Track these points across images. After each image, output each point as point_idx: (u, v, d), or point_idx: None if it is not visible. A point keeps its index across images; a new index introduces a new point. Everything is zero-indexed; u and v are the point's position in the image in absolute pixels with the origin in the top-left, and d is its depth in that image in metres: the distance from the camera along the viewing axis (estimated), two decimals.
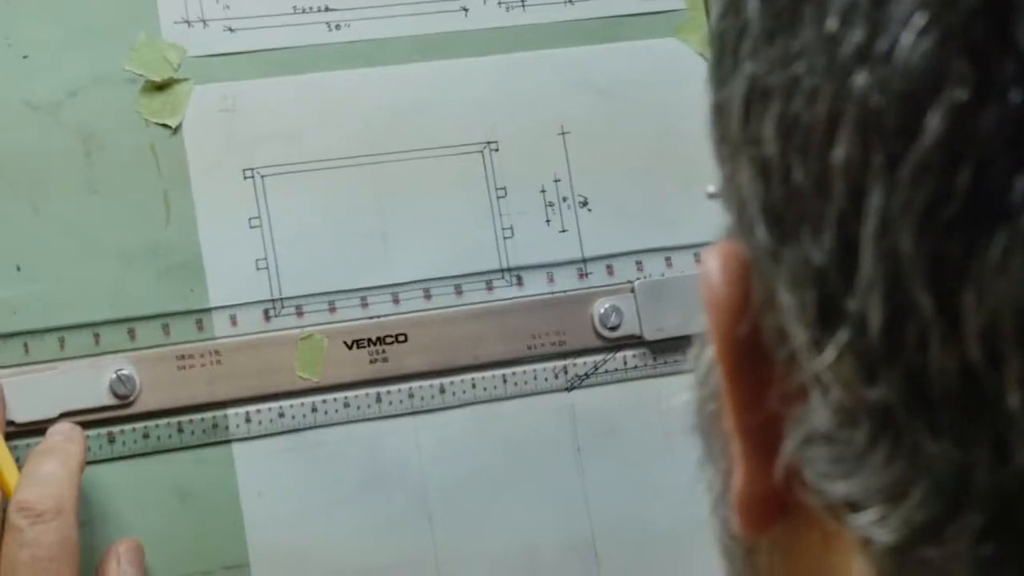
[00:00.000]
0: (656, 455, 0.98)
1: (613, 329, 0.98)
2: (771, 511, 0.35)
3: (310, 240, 0.95)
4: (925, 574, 0.31)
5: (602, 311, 0.98)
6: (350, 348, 0.94)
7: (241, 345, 0.92)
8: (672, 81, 1.02)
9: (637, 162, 1.01)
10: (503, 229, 0.98)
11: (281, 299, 0.93)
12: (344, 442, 0.94)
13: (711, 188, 0.39)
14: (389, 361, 0.95)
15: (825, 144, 0.30)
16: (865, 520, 0.31)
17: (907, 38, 0.28)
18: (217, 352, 0.92)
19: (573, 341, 0.98)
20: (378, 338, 0.95)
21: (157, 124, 0.93)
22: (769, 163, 0.32)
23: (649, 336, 0.98)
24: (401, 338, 0.95)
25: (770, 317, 0.33)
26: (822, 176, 0.30)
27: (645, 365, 0.99)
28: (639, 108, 1.01)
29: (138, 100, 0.93)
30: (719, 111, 0.36)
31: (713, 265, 0.35)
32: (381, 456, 0.94)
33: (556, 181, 0.99)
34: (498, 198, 0.98)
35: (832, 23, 0.30)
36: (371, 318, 0.95)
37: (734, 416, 0.35)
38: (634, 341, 0.99)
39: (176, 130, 0.93)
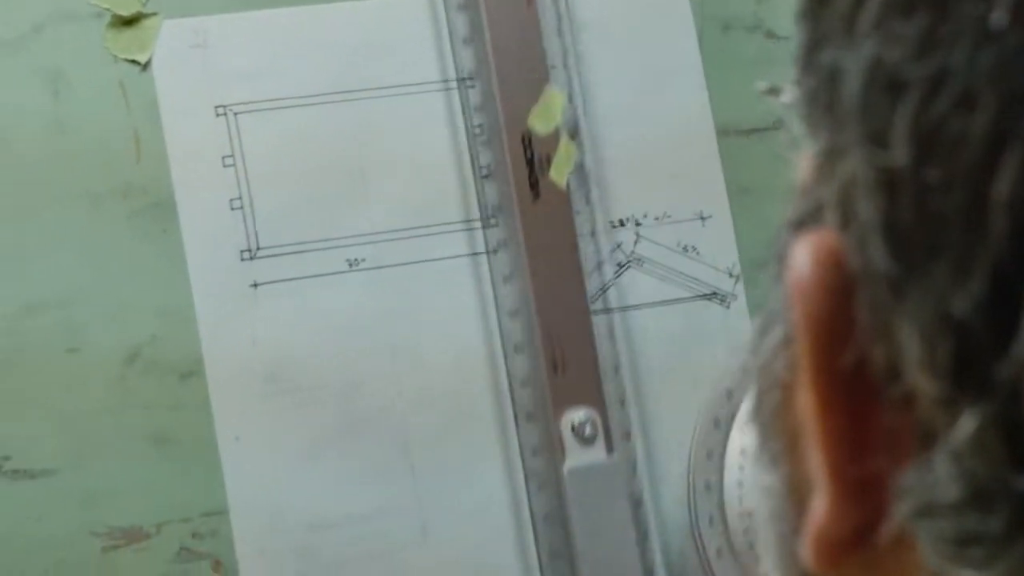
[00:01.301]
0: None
1: None
2: (851, 553, 0.29)
3: (286, 178, 0.93)
4: None
5: None
6: None
7: None
8: None
9: (622, 105, 0.98)
10: (480, 168, 0.96)
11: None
12: (321, 386, 0.92)
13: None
14: None
15: (984, 167, 0.23)
16: None
17: None
18: None
19: None
20: None
21: (126, 60, 0.90)
22: (898, 174, 0.25)
23: None
24: None
25: (882, 347, 0.27)
26: (976, 207, 0.24)
27: None
28: (624, 50, 0.99)
29: (105, 35, 0.90)
30: (813, 60, 0.28)
31: (806, 265, 0.27)
32: (360, 402, 0.93)
33: None
34: (475, 135, 0.96)
35: (1001, 15, 0.23)
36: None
37: (825, 451, 0.28)
38: None
39: (145, 66, 0.91)
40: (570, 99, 0.96)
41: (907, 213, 0.25)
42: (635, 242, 0.98)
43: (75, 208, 0.89)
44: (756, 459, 0.33)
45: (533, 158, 0.94)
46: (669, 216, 0.98)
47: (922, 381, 0.25)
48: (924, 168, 0.24)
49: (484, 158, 0.96)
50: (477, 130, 0.96)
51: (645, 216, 0.98)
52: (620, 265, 0.97)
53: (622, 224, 0.98)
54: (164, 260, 0.90)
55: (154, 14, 0.91)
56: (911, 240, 0.25)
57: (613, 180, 0.98)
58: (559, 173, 0.94)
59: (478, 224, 0.95)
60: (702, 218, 0.98)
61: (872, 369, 0.27)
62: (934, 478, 0.26)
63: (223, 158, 0.92)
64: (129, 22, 0.90)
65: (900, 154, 0.25)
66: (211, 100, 0.92)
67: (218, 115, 0.92)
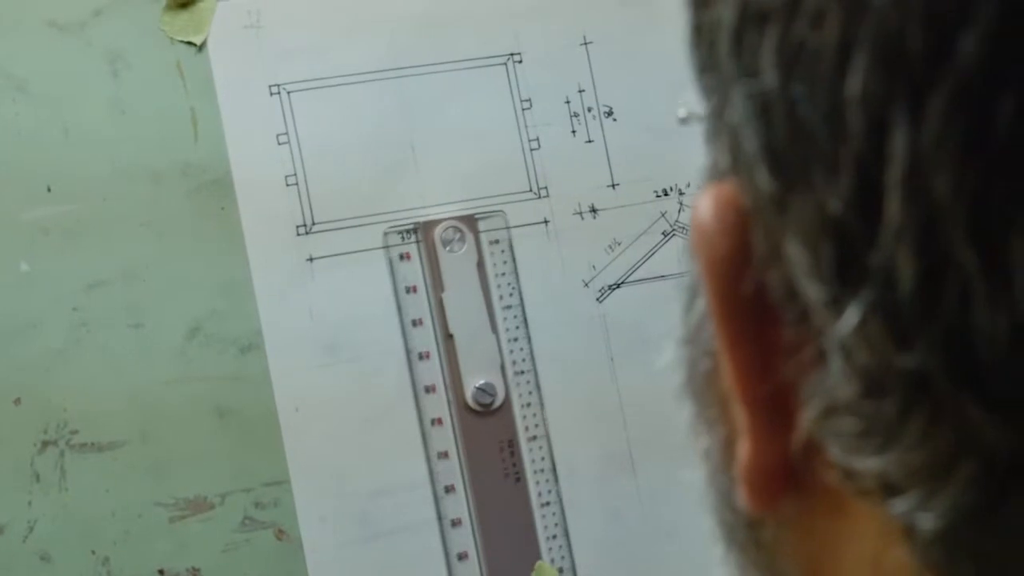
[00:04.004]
0: None
1: None
2: (782, 485, 0.31)
3: (339, 155, 0.95)
4: (977, 565, 0.27)
5: None
6: None
7: None
8: None
9: (661, 71, 1.00)
10: (529, 141, 0.98)
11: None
12: (377, 356, 0.94)
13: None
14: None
15: (837, 74, 0.25)
16: (905, 505, 0.27)
17: None
18: None
19: None
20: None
21: (182, 42, 0.92)
22: (769, 98, 0.27)
23: None
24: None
25: (776, 272, 0.28)
26: (835, 111, 0.26)
27: None
28: (662, 16, 1.01)
29: (162, 18, 0.92)
30: (701, 35, 0.30)
31: (706, 211, 0.30)
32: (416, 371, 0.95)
33: (580, 91, 0.99)
34: (523, 110, 0.98)
35: None
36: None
37: (739, 383, 0.30)
38: None
39: (201, 47, 0.93)
40: None
41: (781, 132, 0.27)
42: (679, 211, 1.00)
43: (136, 186, 0.91)
44: (692, 427, 0.35)
45: None
46: None
47: (811, 289, 0.27)
48: (790, 85, 0.27)
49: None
50: (526, 104, 0.98)
51: (688, 185, 1.00)
52: (664, 234, 0.99)
53: (665, 194, 1.00)
54: (222, 236, 0.92)
55: None
56: (787, 158, 0.27)
57: (652, 152, 1.00)
58: None
59: (531, 196, 0.97)
60: None
61: (770, 295, 0.29)
62: (831, 381, 0.27)
63: (278, 136, 0.94)
64: (184, 4, 0.92)
65: (770, 77, 0.27)
66: (265, 79, 0.94)
67: (272, 94, 0.94)
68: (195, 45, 0.92)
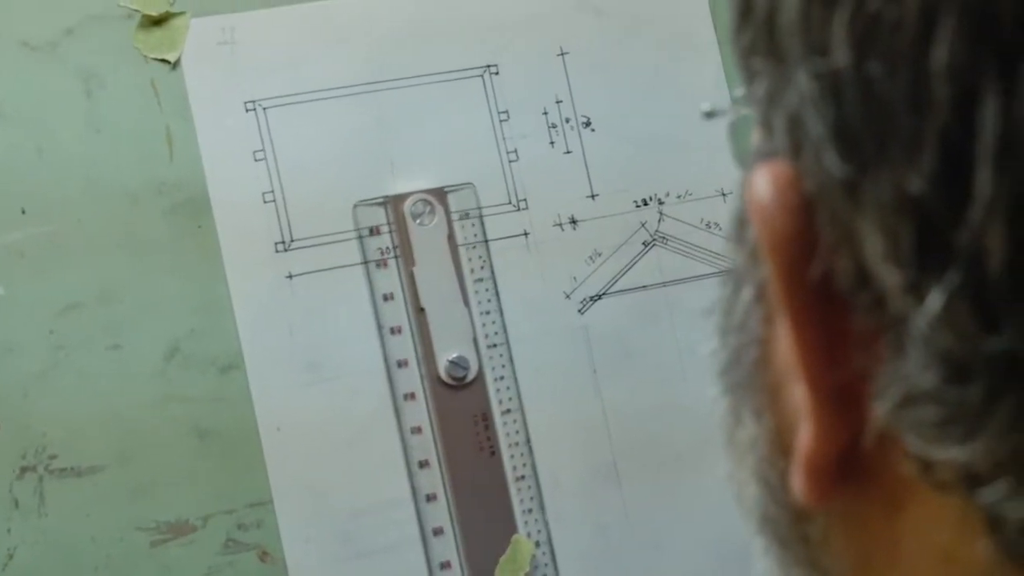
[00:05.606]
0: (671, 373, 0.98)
1: None
2: (843, 475, 0.30)
3: (316, 170, 0.94)
4: None
5: None
6: None
7: None
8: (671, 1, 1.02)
9: (639, 81, 1.00)
10: (508, 152, 0.97)
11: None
12: (359, 374, 0.93)
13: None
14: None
15: (920, 45, 0.25)
16: (993, 495, 0.26)
17: None
18: None
19: None
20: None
21: (156, 60, 0.91)
22: (841, 76, 0.26)
23: None
24: None
25: (846, 258, 0.27)
26: (918, 85, 0.25)
27: None
28: (638, 26, 1.01)
29: (135, 36, 0.91)
30: (753, 15, 0.29)
31: (765, 190, 0.28)
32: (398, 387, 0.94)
33: (558, 102, 0.99)
34: (501, 122, 0.98)
35: None
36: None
37: (804, 370, 0.29)
38: None
39: (175, 65, 0.92)
40: None
41: (854, 112, 0.26)
42: (659, 221, 0.99)
43: (112, 206, 0.90)
44: (729, 418, 0.34)
45: None
46: (691, 194, 1.00)
47: (888, 275, 0.26)
48: (865, 63, 0.26)
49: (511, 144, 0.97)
50: (504, 116, 0.97)
51: (667, 195, 1.00)
52: (645, 244, 0.99)
53: (645, 204, 1.00)
54: (200, 255, 0.91)
55: (182, 13, 0.92)
56: (861, 138, 0.26)
57: (631, 162, 0.99)
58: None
59: (510, 208, 0.97)
60: (723, 194, 1.00)
61: (839, 282, 0.28)
62: (909, 369, 0.27)
63: (254, 152, 0.93)
64: (158, 22, 0.91)
65: (841, 55, 0.26)
66: (240, 96, 0.93)
67: (248, 110, 0.93)
68: (169, 63, 0.91)
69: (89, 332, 0.89)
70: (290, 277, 0.93)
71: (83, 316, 0.89)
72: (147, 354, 0.90)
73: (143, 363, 0.90)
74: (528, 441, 0.95)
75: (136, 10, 0.91)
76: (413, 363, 0.94)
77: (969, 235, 0.24)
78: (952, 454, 0.27)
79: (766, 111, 0.29)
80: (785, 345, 0.30)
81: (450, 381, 0.94)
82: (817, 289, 0.28)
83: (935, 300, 0.25)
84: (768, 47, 0.29)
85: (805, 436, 0.30)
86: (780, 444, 0.32)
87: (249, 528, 0.91)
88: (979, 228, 0.24)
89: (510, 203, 0.97)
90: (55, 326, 0.89)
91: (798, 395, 0.30)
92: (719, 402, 0.34)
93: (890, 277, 0.26)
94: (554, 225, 0.98)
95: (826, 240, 0.28)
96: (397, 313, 0.94)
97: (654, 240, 0.99)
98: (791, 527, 0.33)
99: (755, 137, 0.31)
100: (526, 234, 0.97)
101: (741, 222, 0.32)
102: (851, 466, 0.29)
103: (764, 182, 0.28)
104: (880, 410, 0.28)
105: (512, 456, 0.95)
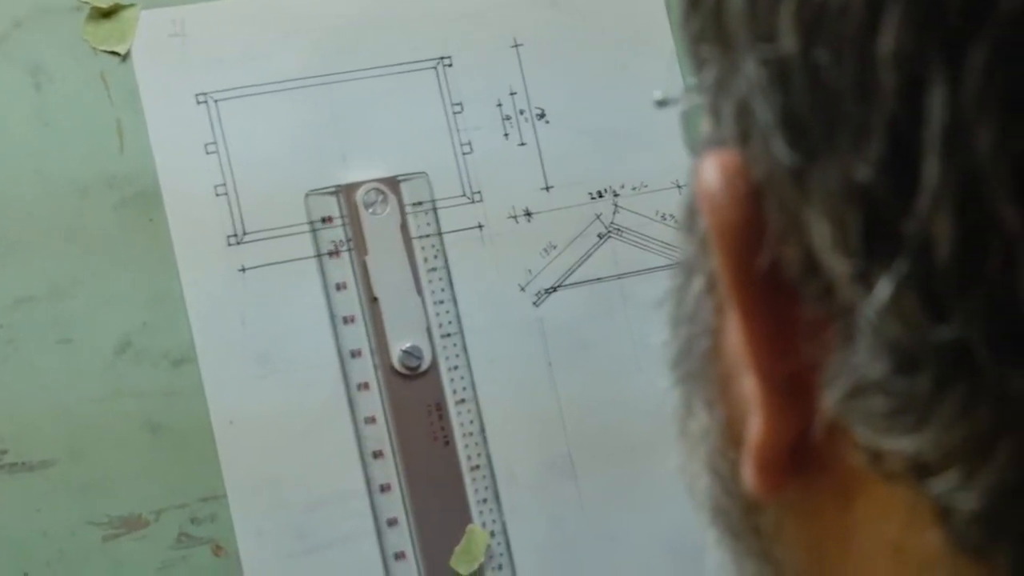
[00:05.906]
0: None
1: None
2: (794, 466, 0.30)
3: (268, 163, 0.93)
4: (1017, 545, 0.26)
5: None
6: None
7: None
8: None
9: (593, 73, 1.00)
10: (461, 145, 0.97)
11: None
12: (311, 366, 0.93)
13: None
14: None
15: (866, 32, 0.24)
16: (943, 485, 0.26)
17: None
18: None
19: None
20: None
21: (106, 52, 0.91)
22: (788, 63, 0.26)
23: None
24: None
25: (793, 247, 0.27)
26: (864, 72, 0.25)
27: None
28: (592, 18, 1.00)
29: (84, 28, 0.91)
30: (700, 1, 0.29)
31: (713, 179, 0.28)
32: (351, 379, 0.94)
33: (512, 94, 0.99)
34: (454, 114, 0.97)
35: None
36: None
37: (753, 360, 0.29)
38: None
39: (125, 57, 0.91)
40: None
41: (802, 99, 0.26)
42: (614, 213, 0.99)
43: (61, 200, 0.89)
44: (681, 409, 0.34)
45: None
46: (646, 186, 1.00)
47: (836, 263, 0.26)
48: (812, 50, 0.25)
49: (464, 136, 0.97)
50: (457, 108, 0.97)
51: (622, 187, 1.00)
52: (600, 236, 0.99)
53: (600, 196, 0.99)
54: (151, 248, 0.91)
55: (132, 5, 0.92)
56: (808, 126, 0.26)
57: (586, 154, 0.99)
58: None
59: (464, 201, 0.97)
60: (679, 186, 1.00)
61: (788, 271, 0.28)
62: (858, 359, 0.27)
63: (206, 145, 0.92)
64: (107, 14, 0.91)
65: (789, 42, 0.26)
66: (191, 88, 0.92)
67: (199, 103, 0.92)
68: (119, 55, 0.91)
69: (39, 326, 0.89)
70: (243, 270, 0.93)
71: (33, 310, 0.89)
72: (99, 348, 0.90)
73: (94, 357, 0.90)
74: (483, 431, 0.95)
75: (85, 2, 0.91)
76: (366, 353, 0.94)
77: (917, 224, 0.24)
78: (901, 444, 0.26)
79: (715, 99, 0.29)
80: (735, 335, 0.30)
81: (404, 371, 0.94)
82: (765, 278, 0.28)
83: (883, 289, 0.25)
84: (716, 34, 0.28)
85: (755, 427, 0.29)
86: (731, 435, 0.31)
87: (202, 522, 0.90)
88: (926, 217, 0.24)
89: (464, 195, 0.97)
90: (5, 320, 0.88)
91: (748, 385, 0.29)
92: (671, 393, 0.34)
93: (838, 266, 0.26)
94: (509, 217, 0.98)
95: (774, 229, 0.27)
96: (350, 302, 0.94)
97: (609, 232, 0.99)
98: (743, 518, 0.33)
99: (705, 125, 0.30)
100: (480, 227, 0.97)
101: (692, 211, 0.32)
102: (802, 457, 0.29)
103: (712, 170, 0.28)
104: (829, 400, 0.28)
105: (467, 446, 0.95)
